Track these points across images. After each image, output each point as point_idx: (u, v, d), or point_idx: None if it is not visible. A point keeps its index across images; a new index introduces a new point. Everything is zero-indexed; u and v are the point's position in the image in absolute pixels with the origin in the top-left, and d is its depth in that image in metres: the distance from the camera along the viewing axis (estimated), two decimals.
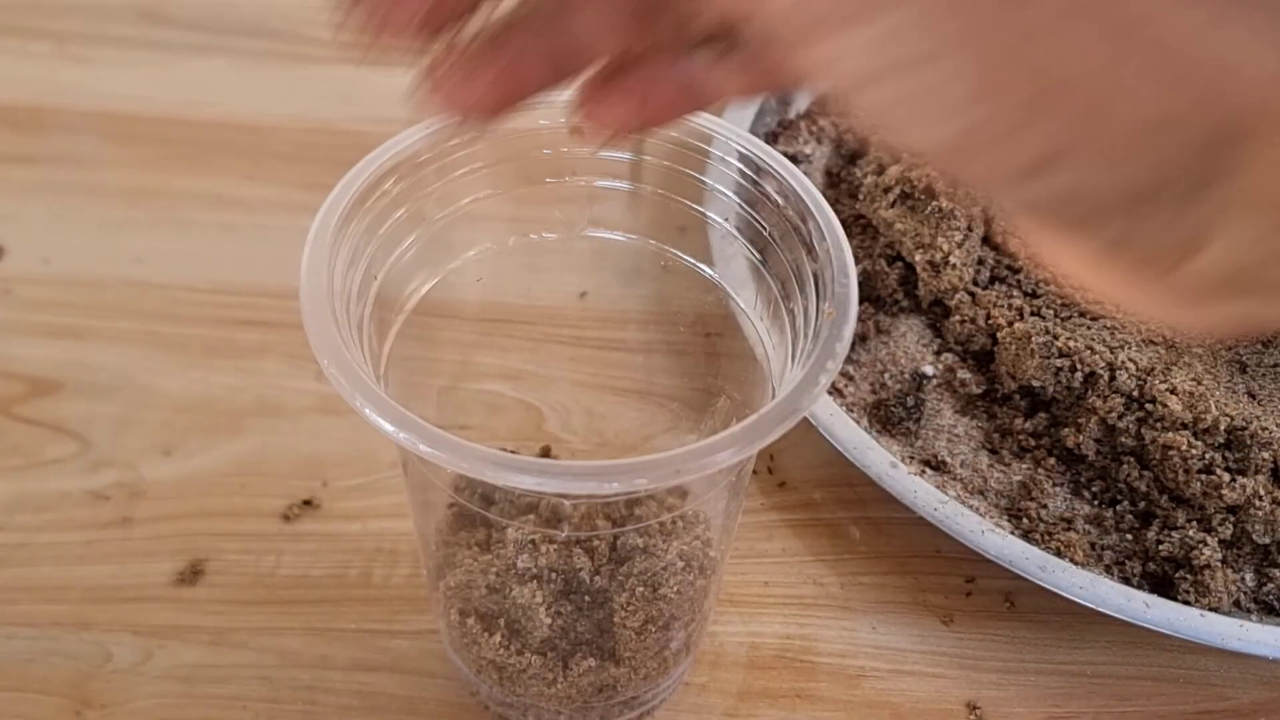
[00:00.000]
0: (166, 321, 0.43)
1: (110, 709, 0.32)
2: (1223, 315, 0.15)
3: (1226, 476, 0.35)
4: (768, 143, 0.49)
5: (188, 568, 0.36)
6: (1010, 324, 0.39)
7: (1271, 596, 0.35)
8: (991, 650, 0.35)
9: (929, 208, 0.41)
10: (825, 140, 0.51)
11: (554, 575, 0.27)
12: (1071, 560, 0.34)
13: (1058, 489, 0.37)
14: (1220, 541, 0.35)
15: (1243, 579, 0.35)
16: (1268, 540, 0.35)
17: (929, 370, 0.41)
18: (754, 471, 0.38)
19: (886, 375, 0.40)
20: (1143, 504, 0.36)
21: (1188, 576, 0.34)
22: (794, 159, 0.49)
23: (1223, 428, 0.36)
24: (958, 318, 0.41)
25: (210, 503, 0.37)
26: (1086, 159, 0.13)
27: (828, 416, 0.37)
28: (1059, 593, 0.33)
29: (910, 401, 0.39)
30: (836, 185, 0.48)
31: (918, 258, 0.41)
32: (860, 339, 0.41)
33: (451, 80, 0.20)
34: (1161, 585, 0.35)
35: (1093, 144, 0.13)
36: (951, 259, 0.40)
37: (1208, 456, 0.35)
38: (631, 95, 0.21)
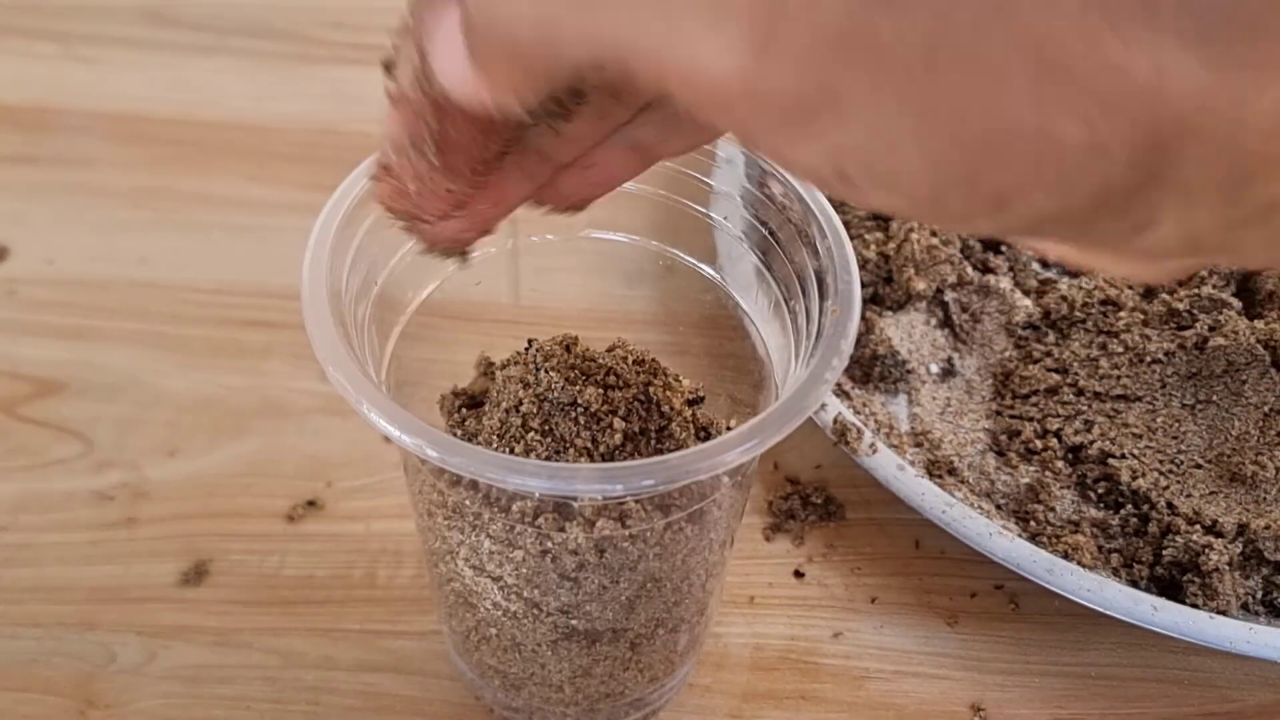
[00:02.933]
0: (171, 322, 0.43)
1: (114, 709, 0.32)
2: (1181, 267, 0.17)
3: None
4: None
5: (192, 568, 0.36)
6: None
7: (1279, 599, 0.35)
8: (996, 652, 0.35)
9: None
10: None
11: (559, 578, 0.27)
12: (1079, 563, 0.34)
13: (1065, 491, 0.37)
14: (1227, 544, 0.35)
15: (1249, 581, 0.34)
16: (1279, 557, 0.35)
17: (934, 368, 0.41)
18: (758, 472, 0.38)
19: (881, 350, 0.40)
20: (1145, 507, 0.36)
21: (1195, 580, 0.34)
22: None
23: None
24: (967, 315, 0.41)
25: (214, 503, 0.37)
26: (1034, 195, 0.14)
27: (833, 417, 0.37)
28: (1067, 596, 0.33)
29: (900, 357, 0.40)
30: None
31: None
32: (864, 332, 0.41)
33: (440, 218, 0.21)
34: (1169, 588, 0.35)
35: (1037, 184, 0.14)
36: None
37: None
38: (586, 172, 0.23)
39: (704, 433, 0.27)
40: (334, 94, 0.54)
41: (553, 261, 0.31)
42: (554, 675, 0.29)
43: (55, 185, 0.49)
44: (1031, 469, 0.38)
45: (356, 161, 0.26)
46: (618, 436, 0.25)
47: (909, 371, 0.41)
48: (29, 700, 0.32)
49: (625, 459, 0.25)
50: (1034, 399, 0.39)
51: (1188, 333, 0.39)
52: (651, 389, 0.26)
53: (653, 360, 0.27)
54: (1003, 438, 0.39)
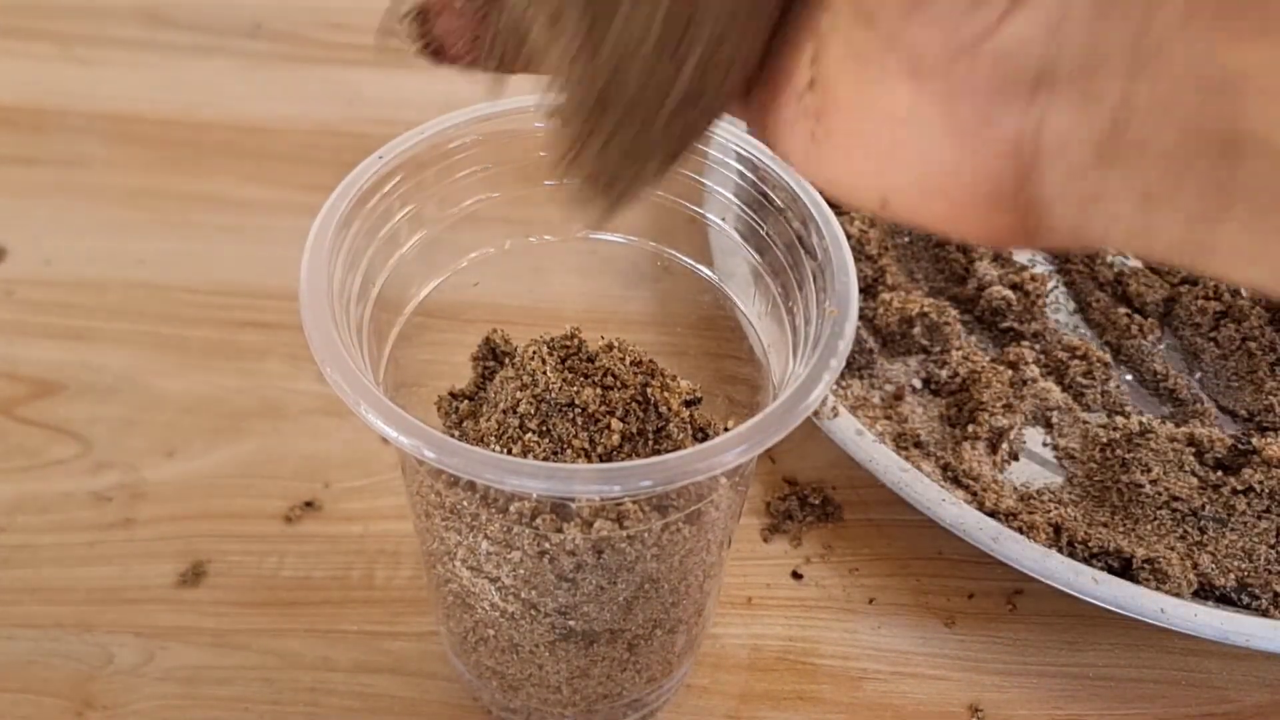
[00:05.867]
0: (168, 323, 0.43)
1: (112, 710, 0.32)
2: None
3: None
4: None
5: (190, 569, 0.36)
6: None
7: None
8: (994, 652, 0.35)
9: None
10: None
11: (556, 578, 0.27)
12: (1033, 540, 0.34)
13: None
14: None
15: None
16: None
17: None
18: (755, 473, 0.38)
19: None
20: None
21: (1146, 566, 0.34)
22: None
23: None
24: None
25: (212, 504, 0.37)
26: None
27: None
28: (1011, 564, 0.33)
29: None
30: None
31: None
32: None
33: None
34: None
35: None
36: None
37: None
38: None
39: (701, 434, 0.27)
40: (332, 95, 0.54)
41: (550, 262, 0.31)
42: (552, 676, 0.29)
43: (53, 186, 0.49)
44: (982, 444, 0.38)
45: (355, 162, 0.26)
46: (615, 437, 0.25)
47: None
48: (26, 701, 0.32)
49: (623, 460, 0.25)
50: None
51: None
52: (649, 390, 0.26)
53: (650, 361, 0.27)
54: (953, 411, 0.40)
